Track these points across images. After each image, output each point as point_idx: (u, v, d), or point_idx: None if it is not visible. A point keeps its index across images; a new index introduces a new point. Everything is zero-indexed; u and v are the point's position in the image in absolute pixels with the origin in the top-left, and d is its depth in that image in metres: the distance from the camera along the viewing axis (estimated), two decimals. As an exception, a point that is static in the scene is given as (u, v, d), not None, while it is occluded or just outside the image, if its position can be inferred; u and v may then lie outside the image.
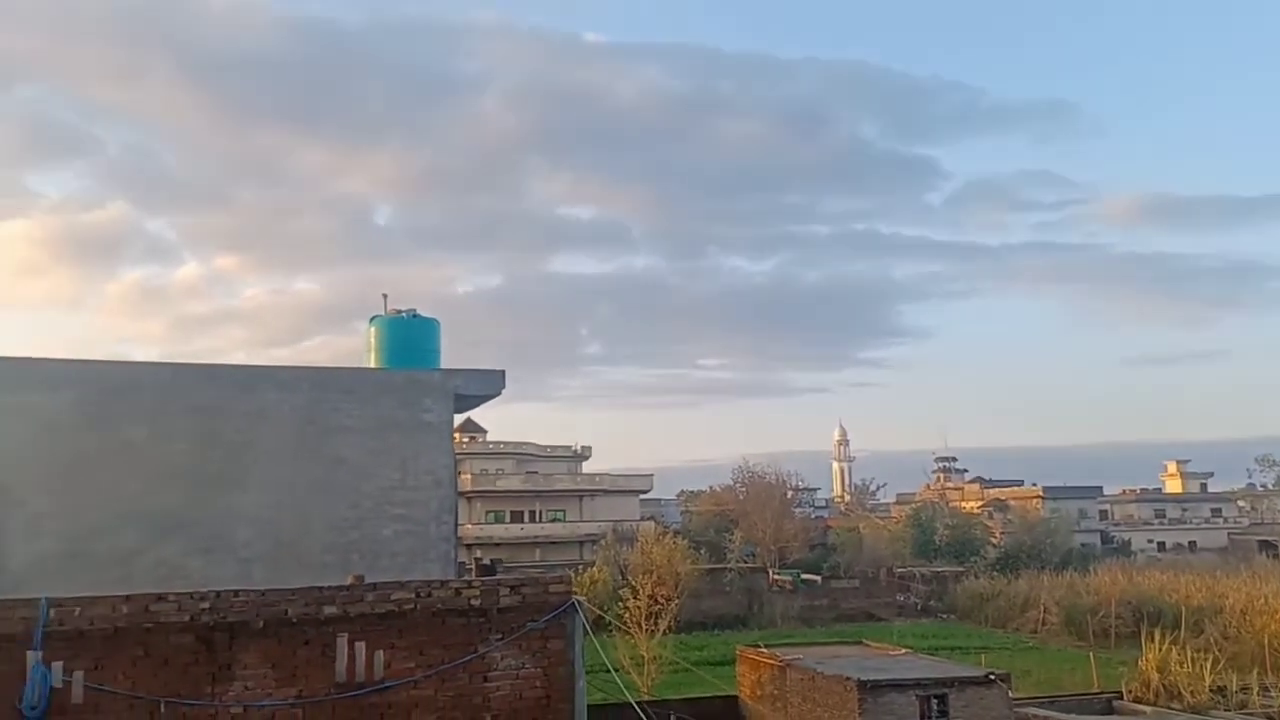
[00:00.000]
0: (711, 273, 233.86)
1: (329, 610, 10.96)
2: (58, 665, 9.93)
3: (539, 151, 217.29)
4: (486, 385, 16.50)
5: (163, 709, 10.20)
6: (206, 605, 10.64)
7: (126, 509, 13.63)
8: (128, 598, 10.48)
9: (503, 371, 16.52)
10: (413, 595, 11.35)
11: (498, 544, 69.68)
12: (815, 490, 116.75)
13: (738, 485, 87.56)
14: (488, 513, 78.53)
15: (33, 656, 9.84)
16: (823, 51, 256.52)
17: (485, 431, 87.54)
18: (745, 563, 73.92)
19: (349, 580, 11.56)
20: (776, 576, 73.24)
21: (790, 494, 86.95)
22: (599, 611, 33.95)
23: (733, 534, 75.41)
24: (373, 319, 17.87)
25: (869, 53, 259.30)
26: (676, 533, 69.20)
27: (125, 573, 13.15)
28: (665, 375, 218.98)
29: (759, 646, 35.57)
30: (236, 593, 10.90)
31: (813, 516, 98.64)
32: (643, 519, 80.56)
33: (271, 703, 10.54)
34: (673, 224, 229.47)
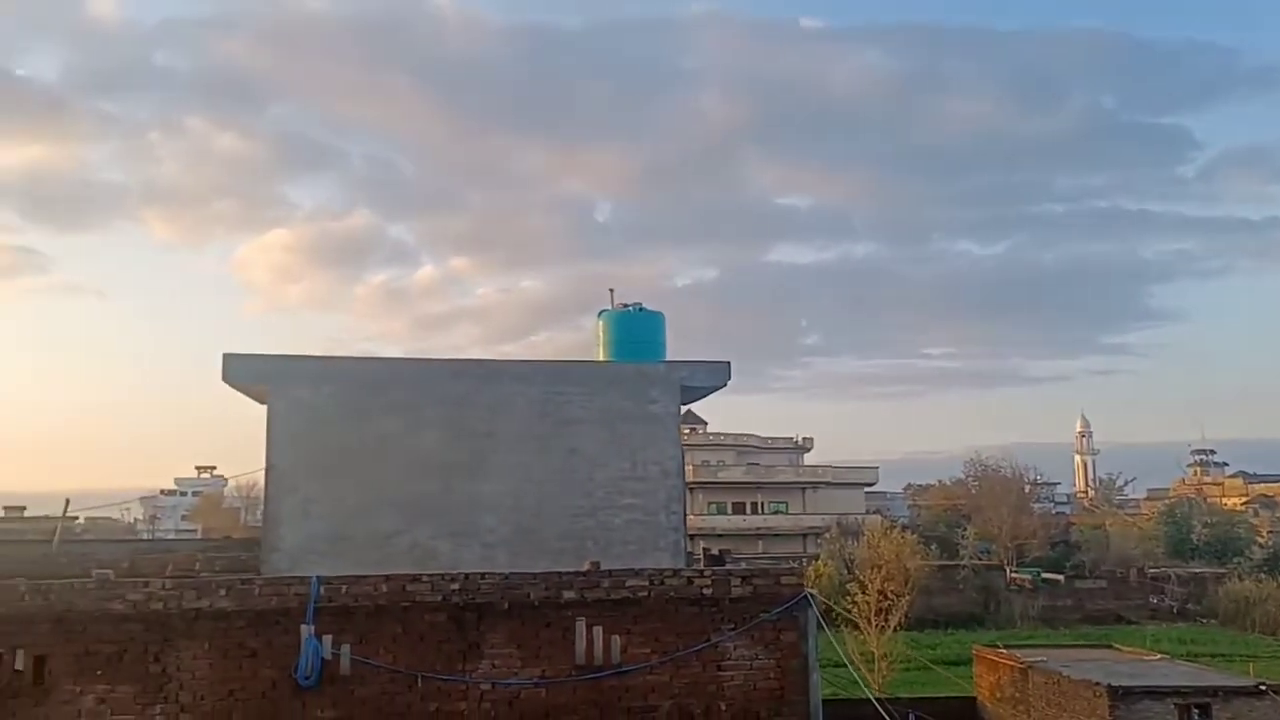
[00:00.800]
0: (937, 258, 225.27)
1: (568, 595, 11.34)
2: (328, 638, 10.76)
3: (756, 141, 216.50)
4: (712, 377, 16.59)
5: (419, 682, 10.87)
6: (456, 586, 11.24)
7: (383, 495, 14.64)
8: (387, 577, 11.23)
9: (728, 363, 16.56)
10: (646, 583, 11.57)
11: (719, 535, 69.95)
12: (1055, 485, 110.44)
13: (969, 479, 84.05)
14: (709, 504, 79.09)
15: (306, 630, 10.71)
16: (1051, 21, 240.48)
17: (705, 423, 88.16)
18: (980, 559, 70.91)
19: (586, 566, 11.92)
20: (1015, 575, 69.82)
21: (1028, 488, 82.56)
22: (829, 604, 33.52)
23: (965, 529, 72.49)
24: (601, 313, 18.34)
25: (1103, 20, 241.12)
26: (905, 527, 67.17)
27: (383, 554, 14.13)
28: (888, 365, 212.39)
29: (997, 646, 34.02)
30: (483, 575, 11.46)
31: (1053, 512, 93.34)
32: (868, 512, 78.82)
33: (517, 681, 11.01)
34: (895, 209, 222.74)
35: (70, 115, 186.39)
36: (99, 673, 10.38)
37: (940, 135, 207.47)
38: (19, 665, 10.25)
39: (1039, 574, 70.55)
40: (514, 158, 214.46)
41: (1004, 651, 32.15)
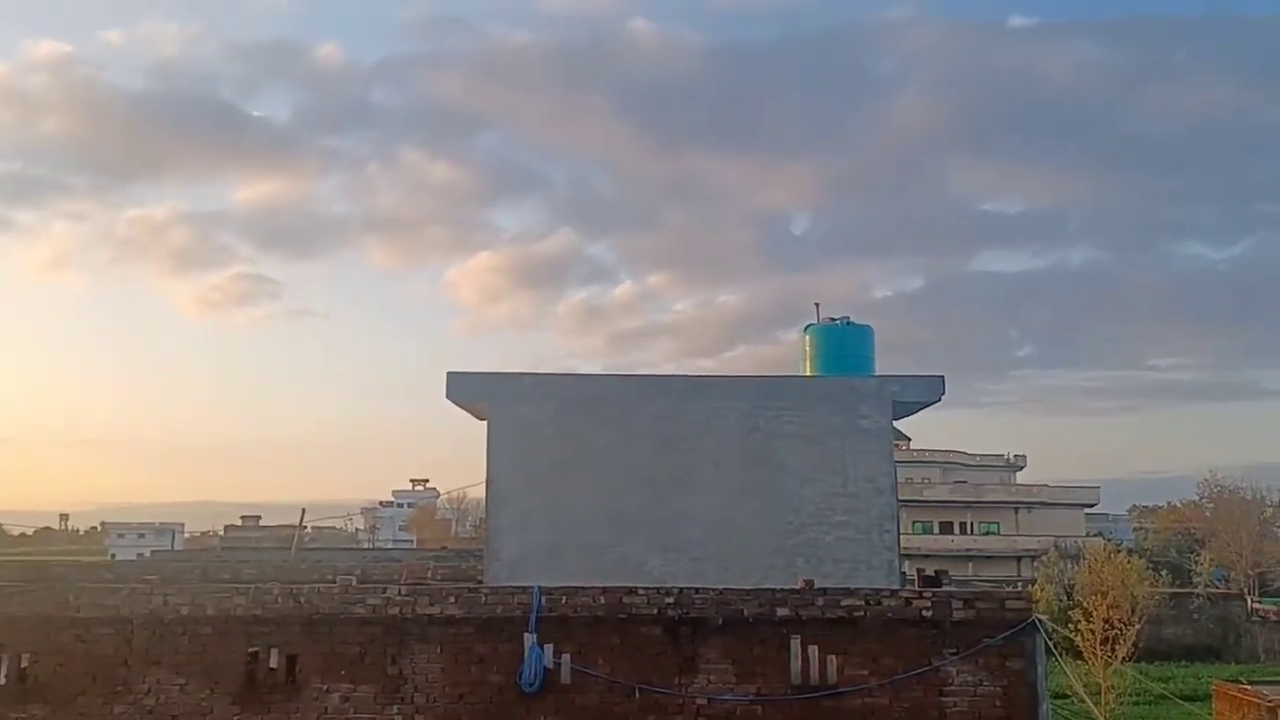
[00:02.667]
0: (1164, 262, 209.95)
1: (782, 612, 11.22)
2: (549, 647, 11.08)
3: (960, 146, 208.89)
4: (925, 391, 16.12)
5: (637, 694, 11.02)
6: (671, 600, 11.34)
7: (597, 508, 15.01)
8: (605, 590, 11.47)
9: (941, 377, 16.05)
10: (863, 602, 11.30)
11: (926, 556, 67.67)
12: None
13: (1203, 500, 78.01)
14: (914, 523, 76.63)
15: (529, 639, 11.07)
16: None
17: (909, 439, 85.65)
18: (1216, 588, 65.53)
19: (799, 584, 11.78)
20: (1258, 605, 64.10)
21: (1270, 511, 75.80)
22: (1053, 630, 31.76)
23: (1199, 555, 67.24)
24: (807, 327, 18.17)
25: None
26: (1130, 551, 62.94)
27: (595, 566, 14.44)
28: (1108, 378, 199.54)
29: (1240, 682, 31.27)
30: (697, 590, 11.52)
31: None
32: (1089, 535, 74.30)
33: (734, 697, 10.99)
34: (1115, 211, 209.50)
35: (299, 152, 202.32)
36: (343, 673, 11.08)
37: (1167, 128, 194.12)
38: (273, 663, 11.09)
39: (1286, 605, 64.43)
40: (710, 174, 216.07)
41: (1249, 688, 29.50)
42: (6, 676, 11.34)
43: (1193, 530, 74.89)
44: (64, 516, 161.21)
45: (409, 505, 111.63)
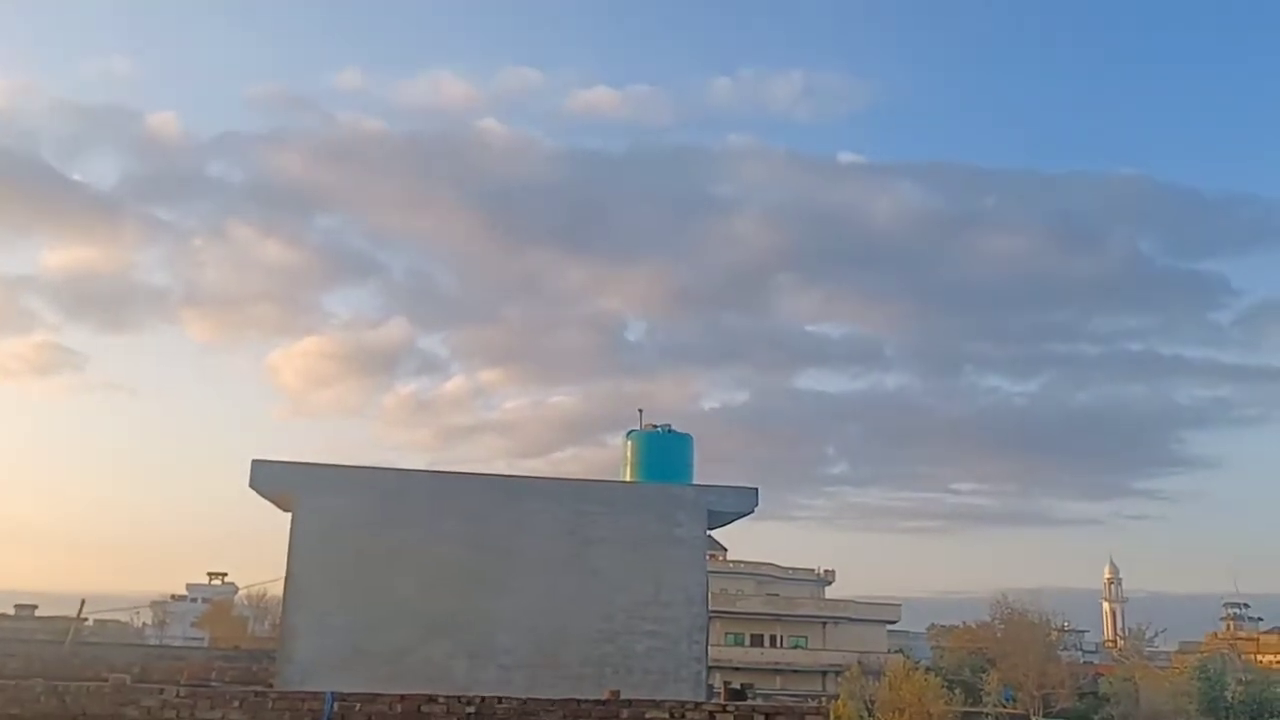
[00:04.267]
0: (969, 393, 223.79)
1: (586, 723, 10.98)
2: (338, 757, 10.42)
3: (790, 269, 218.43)
4: (740, 502, 16.40)
5: (428, 810, 10.45)
6: (472, 710, 10.92)
7: (400, 609, 14.39)
8: (403, 697, 10.94)
9: (756, 489, 16.38)
10: (667, 715, 11.18)
11: (737, 668, 67.94)
12: (1084, 633, 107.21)
13: (995, 621, 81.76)
14: (726, 634, 77.05)
15: (317, 746, 10.39)
16: (1096, 166, 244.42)
17: (725, 549, 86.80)
18: (1004, 707, 68.31)
19: (605, 695, 11.57)
20: (1040, 725, 67.22)
21: (1055, 635, 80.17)
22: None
23: (989, 674, 70.15)
24: (629, 433, 18.30)
25: (1148, 168, 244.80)
26: (928, 669, 65.10)
27: (396, 670, 13.81)
28: (915, 499, 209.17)
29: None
30: (500, 699, 11.15)
31: (1081, 661, 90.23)
32: (890, 651, 76.55)
33: (529, 813, 10.58)
34: (928, 342, 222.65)
35: (122, 220, 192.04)
36: (104, 782, 10.08)
37: (977, 271, 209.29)
38: (23, 770, 9.98)
39: (1067, 725, 67.91)
40: (551, 274, 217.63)
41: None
42: None
43: (984, 650, 78.14)
44: None
45: (203, 600, 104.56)
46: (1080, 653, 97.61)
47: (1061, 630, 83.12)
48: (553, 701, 11.19)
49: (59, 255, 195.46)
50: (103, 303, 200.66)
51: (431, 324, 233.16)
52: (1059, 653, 79.73)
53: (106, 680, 11.28)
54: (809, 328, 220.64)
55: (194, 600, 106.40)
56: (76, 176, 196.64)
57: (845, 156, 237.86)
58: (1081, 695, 74.94)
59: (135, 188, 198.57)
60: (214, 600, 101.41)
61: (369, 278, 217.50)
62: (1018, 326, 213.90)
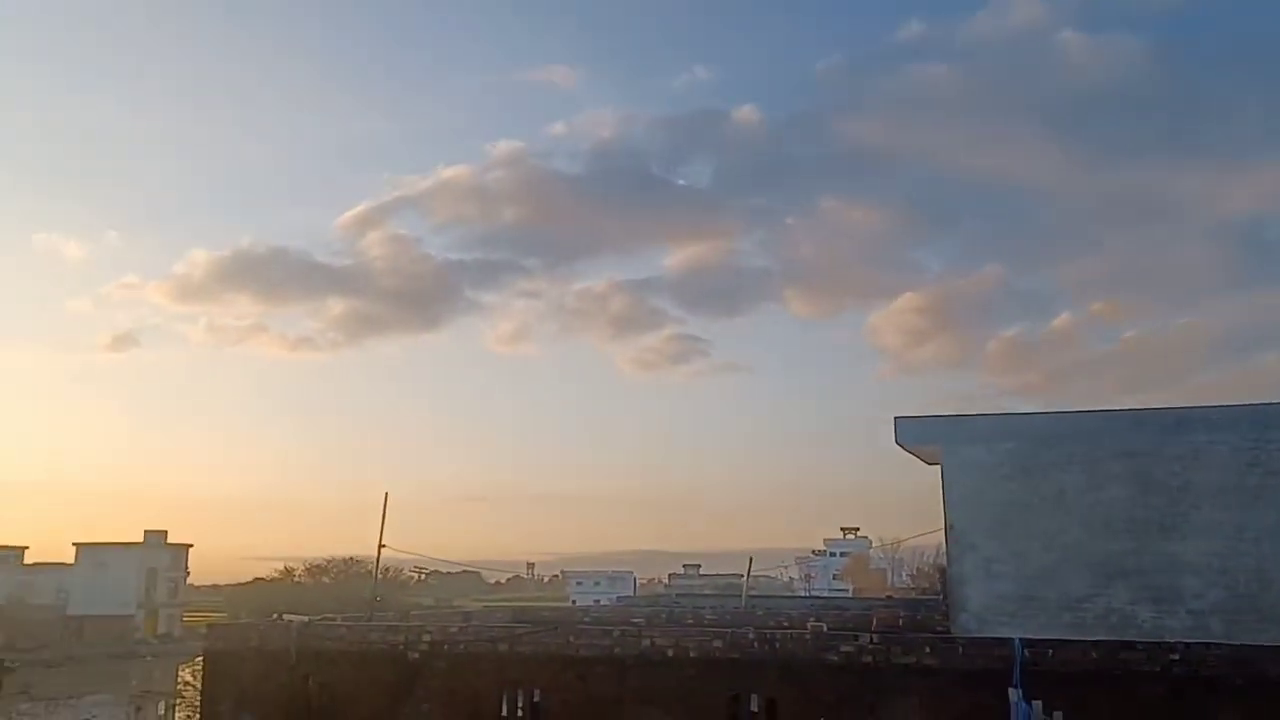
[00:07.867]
0: None
1: (1323, 675, 9.64)
2: (1037, 704, 10.35)
3: None
4: None
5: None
6: (1177, 657, 10.24)
7: (1069, 555, 13.93)
8: (1095, 644, 10.59)
9: None
10: None
11: None
12: None
13: None
14: None
15: (1014, 694, 10.43)
16: None
17: None
18: None
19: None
20: None
21: None
22: None
23: None
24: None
25: None
26: None
27: (1075, 618, 13.39)
28: None
29: None
30: (1208, 646, 10.28)
31: None
32: None
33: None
34: None
35: (722, 213, 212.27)
36: (821, 719, 11.13)
37: None
38: (754, 707, 11.43)
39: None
40: (1158, 187, 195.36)
41: None
42: (522, 710, 12.71)
43: None
44: (530, 565, 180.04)
45: (841, 554, 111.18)
46: None
47: None
48: (1275, 649, 10.03)
49: (675, 255, 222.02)
50: (715, 292, 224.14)
51: (1027, 263, 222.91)
52: None
53: (805, 629, 12.49)
54: None
55: (833, 554, 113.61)
56: (681, 182, 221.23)
57: None
58: None
59: (729, 181, 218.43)
60: (851, 554, 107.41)
61: (957, 225, 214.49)
62: None
